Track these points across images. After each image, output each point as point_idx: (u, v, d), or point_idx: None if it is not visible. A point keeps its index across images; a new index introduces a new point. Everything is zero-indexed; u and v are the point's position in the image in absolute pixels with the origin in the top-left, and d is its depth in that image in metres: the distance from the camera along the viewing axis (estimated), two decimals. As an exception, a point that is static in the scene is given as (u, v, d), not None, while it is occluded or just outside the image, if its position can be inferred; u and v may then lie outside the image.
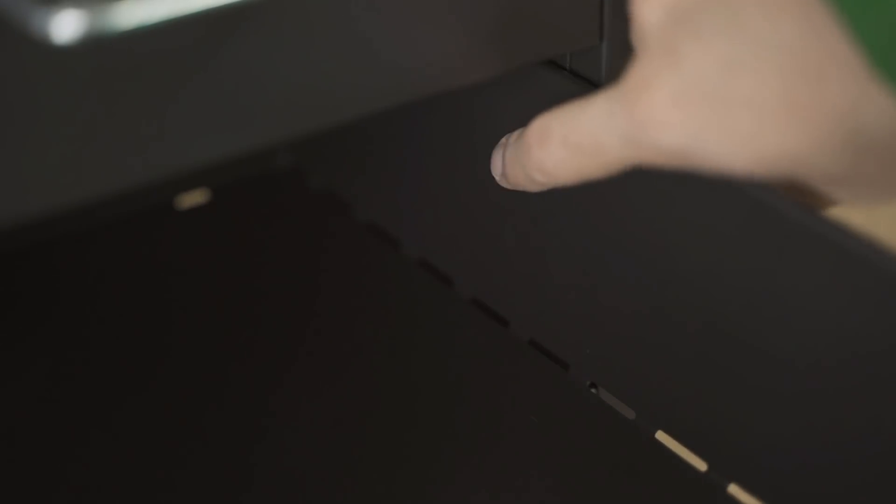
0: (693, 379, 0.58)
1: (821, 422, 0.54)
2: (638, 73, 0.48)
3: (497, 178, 0.57)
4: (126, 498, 0.60)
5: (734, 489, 0.58)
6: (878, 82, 0.43)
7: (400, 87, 0.55)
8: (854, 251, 0.50)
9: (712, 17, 0.46)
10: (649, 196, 0.57)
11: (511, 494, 0.60)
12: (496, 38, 0.56)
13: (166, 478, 0.61)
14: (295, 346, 0.68)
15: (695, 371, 0.58)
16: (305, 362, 0.67)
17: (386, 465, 0.61)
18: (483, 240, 0.67)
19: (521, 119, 0.63)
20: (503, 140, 0.57)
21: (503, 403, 0.64)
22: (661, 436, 0.61)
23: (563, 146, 0.51)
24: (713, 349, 0.57)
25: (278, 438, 0.63)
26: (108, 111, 0.48)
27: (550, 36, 0.58)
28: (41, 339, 0.68)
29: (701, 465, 0.59)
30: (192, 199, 0.77)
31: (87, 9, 0.43)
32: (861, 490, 0.53)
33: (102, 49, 0.46)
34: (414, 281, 0.71)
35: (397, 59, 0.54)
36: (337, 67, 0.52)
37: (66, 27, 0.43)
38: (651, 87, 0.47)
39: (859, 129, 0.44)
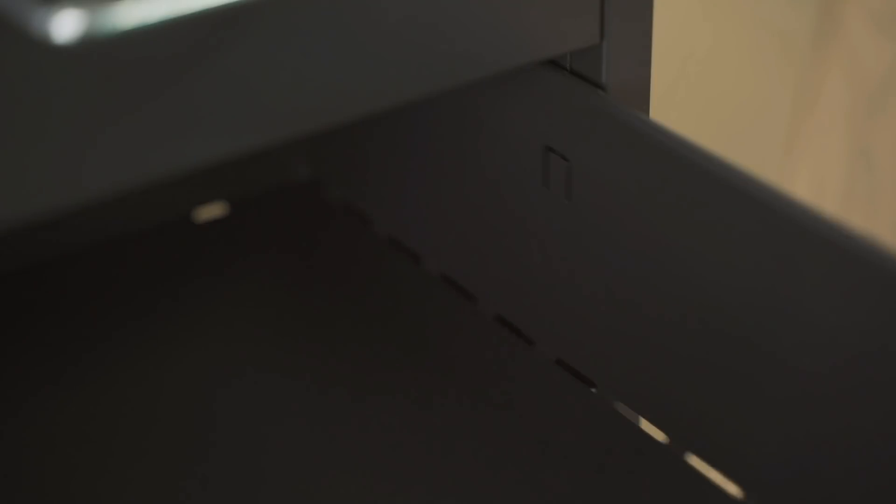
0: (724, 400, 0.57)
1: (824, 427, 0.54)
2: None
3: None
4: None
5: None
6: None
7: (400, 87, 0.55)
8: (858, 253, 0.51)
9: None
10: (671, 212, 0.57)
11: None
12: (497, 38, 0.56)
13: (176, 484, 0.61)
14: (313, 358, 0.67)
15: (727, 392, 0.57)
16: (323, 375, 0.66)
17: (405, 477, 0.61)
18: (507, 256, 0.67)
19: (523, 120, 0.63)
20: None
21: (519, 415, 0.64)
22: (691, 459, 0.60)
23: None
24: (743, 367, 0.56)
25: (293, 446, 0.62)
26: (108, 111, 0.48)
27: (550, 36, 0.58)
28: (57, 349, 0.67)
29: (734, 490, 0.59)
30: (210, 212, 0.77)
31: (87, 9, 0.43)
32: (864, 498, 0.53)
33: (102, 49, 0.46)
34: (435, 296, 0.70)
35: (397, 58, 0.54)
36: (335, 67, 0.52)
37: (66, 27, 0.43)
38: None
39: None
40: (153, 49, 0.47)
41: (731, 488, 0.59)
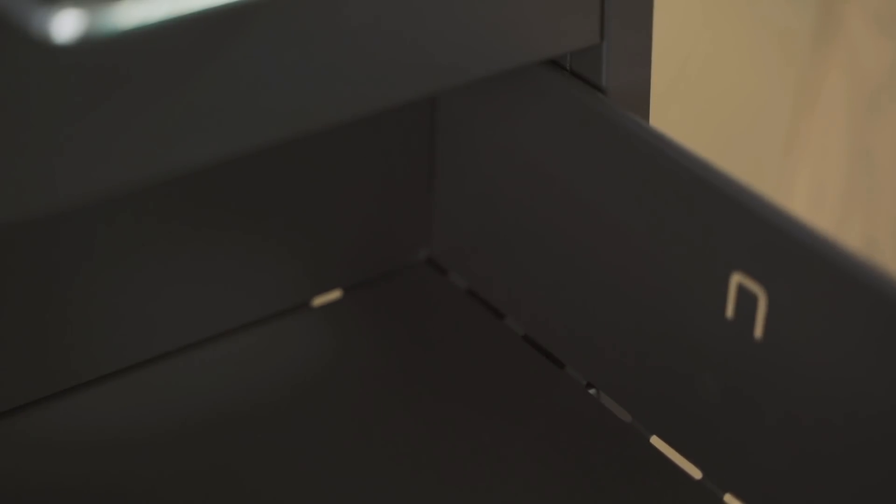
0: (753, 433, 0.57)
1: (819, 434, 0.54)
2: None
3: None
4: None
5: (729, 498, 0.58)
6: None
7: (400, 86, 0.55)
8: (857, 273, 0.51)
9: None
10: (666, 217, 0.57)
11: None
12: (497, 38, 0.56)
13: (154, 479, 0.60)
14: (330, 370, 0.67)
15: (755, 425, 0.57)
16: (342, 387, 0.65)
17: (429, 496, 0.61)
18: (462, 230, 0.67)
19: (523, 119, 0.63)
20: None
21: (548, 436, 0.63)
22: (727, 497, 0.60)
23: None
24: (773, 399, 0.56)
25: (309, 459, 0.62)
26: (108, 111, 0.48)
27: (550, 36, 0.58)
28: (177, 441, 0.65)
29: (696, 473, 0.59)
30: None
31: (87, 9, 0.43)
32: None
33: (102, 49, 0.46)
34: (462, 311, 0.69)
35: (397, 58, 0.54)
36: (335, 67, 0.52)
37: (66, 27, 0.43)
38: None
39: None
40: (153, 49, 0.47)
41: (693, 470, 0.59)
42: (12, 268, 0.61)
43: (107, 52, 0.47)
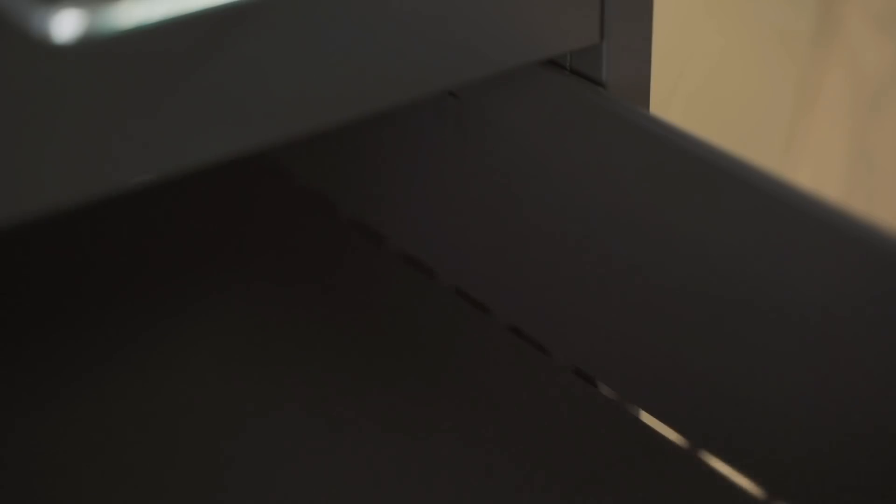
0: (740, 399, 0.57)
1: (808, 399, 0.54)
2: None
3: None
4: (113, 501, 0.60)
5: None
6: None
7: (399, 86, 0.55)
8: (845, 229, 0.51)
9: None
10: (672, 203, 0.57)
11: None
12: (496, 38, 0.56)
13: (152, 478, 0.60)
14: (276, 340, 0.67)
15: (741, 392, 0.57)
16: (334, 388, 0.66)
17: (421, 492, 0.61)
18: (466, 232, 0.67)
19: (522, 119, 0.63)
20: None
21: (487, 389, 0.64)
22: (710, 459, 0.60)
23: None
24: (754, 364, 0.56)
25: (306, 455, 0.62)
26: (108, 111, 0.48)
27: (550, 36, 0.58)
28: (15, 323, 0.67)
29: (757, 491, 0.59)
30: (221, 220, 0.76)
31: (87, 9, 0.43)
32: (849, 471, 0.53)
33: (102, 49, 0.46)
34: (448, 307, 0.70)
35: (398, 58, 0.54)
36: (335, 67, 0.52)
37: (65, 27, 0.43)
38: None
39: None
40: (154, 49, 0.47)
41: (754, 489, 0.59)
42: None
43: (107, 52, 0.47)
